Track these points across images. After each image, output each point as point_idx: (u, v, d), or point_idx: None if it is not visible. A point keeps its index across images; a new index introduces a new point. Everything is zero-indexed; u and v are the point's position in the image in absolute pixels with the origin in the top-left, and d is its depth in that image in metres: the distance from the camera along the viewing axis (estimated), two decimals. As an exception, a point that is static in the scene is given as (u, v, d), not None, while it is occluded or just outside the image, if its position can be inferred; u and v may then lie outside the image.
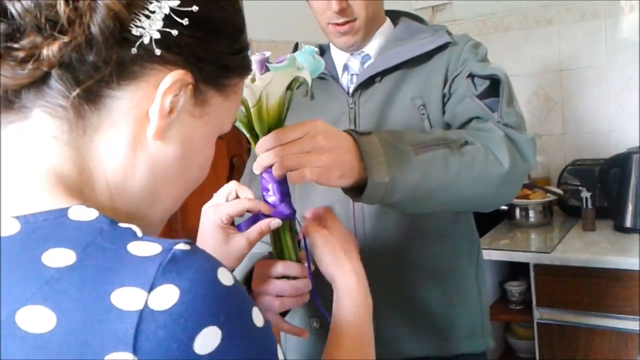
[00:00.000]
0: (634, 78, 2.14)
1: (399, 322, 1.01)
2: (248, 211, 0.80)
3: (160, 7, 0.47)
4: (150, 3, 0.47)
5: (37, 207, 0.45)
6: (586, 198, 1.98)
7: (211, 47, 0.51)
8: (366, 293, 0.73)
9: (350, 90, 1.04)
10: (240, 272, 0.95)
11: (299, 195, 1.03)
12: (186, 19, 0.48)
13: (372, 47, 1.06)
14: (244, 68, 0.57)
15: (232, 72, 0.55)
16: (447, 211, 0.95)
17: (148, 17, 0.47)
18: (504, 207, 2.15)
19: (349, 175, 0.75)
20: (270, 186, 0.77)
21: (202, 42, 0.50)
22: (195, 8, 0.48)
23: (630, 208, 1.93)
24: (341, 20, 0.99)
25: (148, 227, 0.53)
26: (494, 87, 0.93)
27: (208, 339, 0.40)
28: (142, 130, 0.49)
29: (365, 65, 1.05)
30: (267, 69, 0.73)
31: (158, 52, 0.47)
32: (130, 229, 0.45)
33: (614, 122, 2.20)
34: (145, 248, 0.43)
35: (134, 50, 0.47)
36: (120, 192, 0.50)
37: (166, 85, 0.48)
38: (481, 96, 0.93)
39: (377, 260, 1.00)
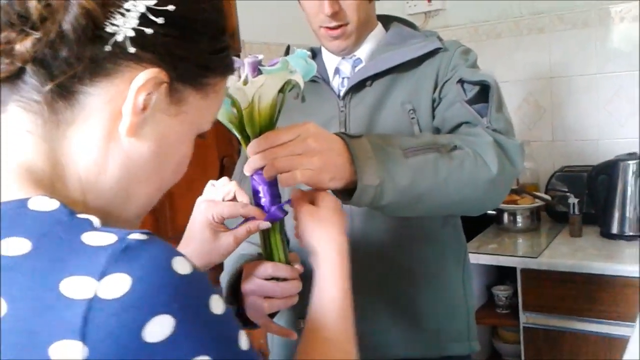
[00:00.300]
0: (623, 87, 2.17)
1: (384, 323, 1.02)
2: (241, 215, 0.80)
3: (135, 6, 0.48)
4: (126, 1, 0.48)
5: (4, 199, 0.46)
6: (574, 204, 2.00)
7: (189, 46, 0.52)
8: (347, 266, 0.71)
9: (341, 94, 1.05)
10: (228, 272, 0.95)
11: (288, 197, 1.04)
12: (162, 18, 0.48)
13: (363, 51, 1.07)
14: (225, 68, 0.57)
15: (212, 71, 0.55)
16: (435, 215, 0.96)
17: (123, 15, 0.47)
18: (492, 212, 2.17)
19: (339, 177, 0.76)
20: (260, 188, 0.78)
21: (179, 41, 0.51)
22: (171, 7, 0.49)
23: (616, 215, 1.95)
24: (333, 24, 1.00)
25: (123, 223, 0.54)
26: (484, 93, 0.94)
27: (159, 327, 0.41)
28: (116, 126, 0.50)
29: (357, 69, 1.06)
30: (260, 72, 0.74)
31: (132, 50, 0.48)
32: (87, 219, 0.45)
33: (603, 130, 2.23)
34: (100, 238, 0.43)
35: (107, 48, 0.47)
36: (92, 187, 0.51)
37: (139, 82, 0.49)
38: (471, 102, 0.94)
39: (364, 262, 1.01)
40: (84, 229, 0.44)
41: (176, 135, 0.54)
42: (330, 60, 1.09)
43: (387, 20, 1.12)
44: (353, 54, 1.07)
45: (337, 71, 1.08)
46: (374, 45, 1.07)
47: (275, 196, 0.78)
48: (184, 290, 0.43)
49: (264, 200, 0.78)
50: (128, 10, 0.48)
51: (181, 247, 0.78)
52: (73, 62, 0.47)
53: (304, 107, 0.94)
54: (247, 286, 0.86)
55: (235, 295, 0.92)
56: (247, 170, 0.76)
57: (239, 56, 0.98)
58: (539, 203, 2.13)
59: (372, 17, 1.08)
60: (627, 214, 1.93)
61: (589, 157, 2.22)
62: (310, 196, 0.76)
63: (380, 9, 1.10)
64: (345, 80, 1.07)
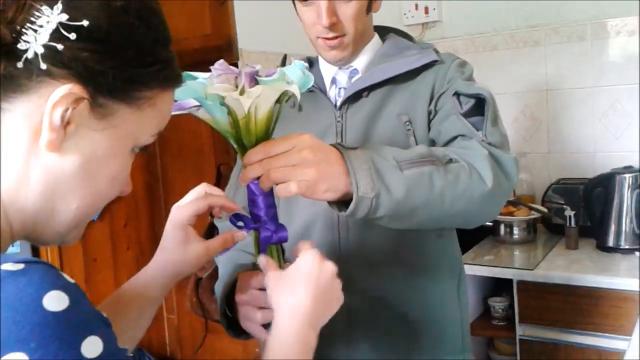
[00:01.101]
0: (619, 100, 2.18)
1: (378, 333, 1.02)
2: (234, 222, 0.80)
3: (48, 22, 0.47)
4: (39, 17, 0.47)
5: None
6: (570, 217, 2.00)
7: (110, 61, 0.51)
8: (302, 330, 0.66)
9: (338, 104, 1.05)
10: (223, 282, 0.95)
11: (284, 207, 1.04)
12: (74, 34, 0.48)
13: (360, 62, 1.07)
14: (162, 81, 0.56)
15: (144, 85, 0.54)
16: (430, 227, 0.96)
17: (35, 31, 0.47)
18: (488, 224, 2.17)
19: (334, 189, 0.76)
20: (256, 198, 0.78)
21: (98, 55, 0.50)
22: (85, 22, 0.48)
23: (612, 228, 1.95)
24: (331, 35, 1.01)
25: (53, 237, 0.55)
26: (479, 106, 0.94)
27: None
28: (36, 142, 0.50)
29: (353, 79, 1.07)
30: (257, 82, 0.74)
31: (44, 66, 0.47)
32: None
33: (599, 143, 2.24)
34: None
35: (19, 65, 0.47)
36: (13, 200, 0.51)
37: (54, 99, 0.48)
38: (466, 115, 0.94)
39: (359, 272, 1.00)
40: None
41: (105, 150, 0.53)
42: (327, 71, 1.09)
43: (384, 32, 1.12)
44: (350, 64, 1.08)
45: (333, 81, 1.08)
46: (370, 56, 1.08)
47: (270, 206, 0.78)
48: (48, 329, 0.41)
49: (260, 209, 0.78)
50: (41, 27, 0.47)
51: (156, 254, 0.77)
52: None
53: (300, 117, 0.95)
54: (242, 296, 0.85)
55: (229, 305, 0.92)
56: (243, 180, 0.76)
57: (236, 65, 0.98)
58: (535, 215, 2.13)
59: (369, 28, 1.08)
60: (623, 227, 1.94)
61: (585, 170, 2.23)
62: (296, 248, 0.74)
63: (377, 19, 1.11)
64: (342, 90, 1.07)
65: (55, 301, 0.42)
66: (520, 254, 2.05)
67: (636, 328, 1.05)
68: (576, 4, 2.20)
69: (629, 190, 1.94)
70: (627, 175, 1.95)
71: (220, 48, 2.11)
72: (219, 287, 0.97)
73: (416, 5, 2.46)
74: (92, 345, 0.43)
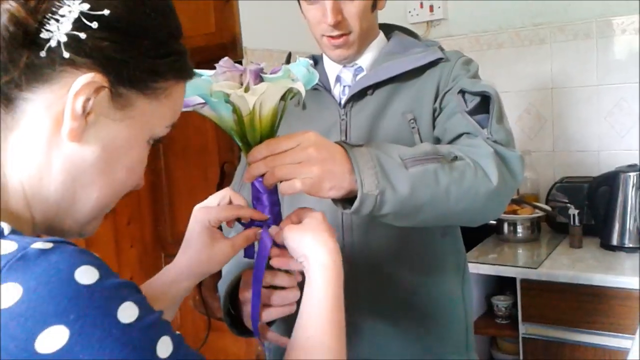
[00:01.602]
0: (624, 99, 2.17)
1: (382, 332, 1.01)
2: (239, 219, 0.80)
3: (70, 12, 0.48)
4: (61, 7, 0.48)
5: None
6: (574, 215, 2.00)
7: (129, 51, 0.51)
8: (338, 269, 0.68)
9: (342, 102, 1.05)
10: (227, 280, 0.95)
11: (288, 204, 1.04)
12: (96, 23, 0.48)
13: (365, 60, 1.07)
14: (177, 72, 0.57)
15: (160, 76, 0.55)
16: (435, 225, 0.96)
17: (57, 20, 0.48)
18: (492, 222, 2.16)
19: (339, 186, 0.76)
20: (260, 195, 0.78)
21: (118, 45, 0.50)
22: (106, 12, 0.49)
23: (617, 226, 1.95)
24: (336, 33, 1.00)
25: (74, 226, 0.55)
26: (484, 103, 0.94)
27: (51, 338, 0.40)
28: (58, 131, 0.51)
29: (358, 77, 1.06)
30: (262, 79, 0.74)
31: (66, 55, 0.48)
32: None
33: (604, 142, 2.23)
34: (2, 247, 0.43)
35: (42, 54, 0.48)
36: (37, 191, 0.52)
37: (76, 88, 0.49)
38: (471, 112, 0.94)
39: (364, 271, 1.00)
40: None
41: (124, 140, 0.54)
42: (331, 68, 1.09)
43: (389, 30, 1.12)
44: (355, 62, 1.07)
45: (338, 79, 1.08)
46: (375, 54, 1.07)
47: (274, 204, 0.78)
48: (84, 301, 0.42)
49: (265, 207, 0.78)
50: (63, 16, 0.48)
51: (179, 255, 0.78)
52: (9, 68, 0.47)
53: (305, 115, 0.95)
54: (246, 294, 0.85)
55: (233, 303, 0.92)
56: (247, 177, 0.76)
57: (241, 62, 0.98)
58: (539, 213, 2.12)
59: (374, 26, 1.08)
60: (628, 226, 1.93)
61: (590, 168, 2.23)
62: (296, 215, 0.76)
63: (382, 17, 1.11)
64: (347, 88, 1.07)
65: (86, 275, 0.43)
66: (523, 252, 2.04)
67: (638, 327, 1.04)
68: (582, 2, 2.19)
69: (633, 189, 1.93)
70: (631, 174, 1.94)
71: (225, 46, 2.11)
72: (222, 285, 0.97)
73: (421, 4, 2.45)
74: (128, 311, 0.44)
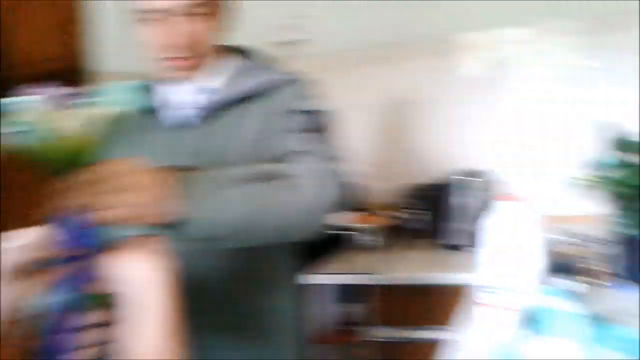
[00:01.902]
0: (468, 112, 2.43)
1: (223, 348, 1.01)
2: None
3: None
4: None
5: None
6: (417, 220, 2.22)
7: None
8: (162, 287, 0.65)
9: (176, 125, 1.03)
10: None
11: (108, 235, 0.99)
12: None
13: (207, 82, 1.06)
14: None
15: None
16: (261, 243, 0.95)
17: None
18: (342, 231, 2.28)
19: (160, 213, 0.74)
20: (76, 229, 0.73)
21: None
22: None
23: (453, 228, 2.18)
24: (173, 55, 0.98)
25: None
26: (315, 122, 0.97)
27: None
28: None
29: (199, 99, 1.05)
30: (75, 104, 0.71)
31: None
32: None
33: (448, 151, 2.46)
34: None
35: None
36: None
37: None
38: (303, 131, 0.97)
39: (200, 291, 0.99)
40: None
41: None
42: (168, 91, 1.06)
43: (236, 51, 1.10)
44: (196, 84, 1.05)
45: (173, 102, 1.05)
46: (217, 76, 1.06)
47: (90, 236, 0.74)
48: None
49: (78, 240, 0.74)
50: None
51: None
52: None
53: (133, 139, 0.91)
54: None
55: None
56: (60, 210, 0.71)
57: (78, 86, 0.92)
58: (388, 221, 2.29)
59: (218, 47, 1.06)
60: (464, 227, 2.15)
61: (431, 175, 2.44)
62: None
63: (244, 37, 1.10)
64: (182, 111, 1.05)
65: None
66: (373, 259, 2.15)
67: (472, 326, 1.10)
68: (431, 19, 2.33)
69: (468, 193, 2.18)
70: (466, 180, 2.21)
71: (70, 69, 2.00)
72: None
73: (283, 23, 2.49)
74: None
